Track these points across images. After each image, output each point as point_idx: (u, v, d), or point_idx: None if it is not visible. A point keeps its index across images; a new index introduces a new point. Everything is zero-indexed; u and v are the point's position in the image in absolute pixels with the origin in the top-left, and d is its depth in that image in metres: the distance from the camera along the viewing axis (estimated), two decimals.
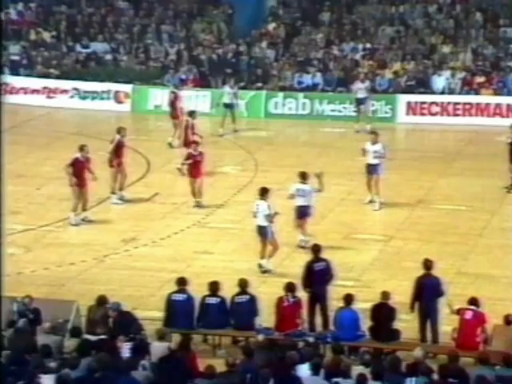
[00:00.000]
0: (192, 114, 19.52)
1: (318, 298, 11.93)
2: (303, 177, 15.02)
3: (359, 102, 22.16)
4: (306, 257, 13.12)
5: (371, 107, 22.45)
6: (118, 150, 17.10)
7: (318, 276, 12.09)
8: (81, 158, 16.06)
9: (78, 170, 15.91)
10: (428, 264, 11.76)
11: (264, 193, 14.02)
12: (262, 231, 13.98)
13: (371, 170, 16.81)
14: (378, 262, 14.47)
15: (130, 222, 16.19)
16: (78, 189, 15.85)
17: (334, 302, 12.11)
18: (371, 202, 16.86)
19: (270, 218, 13.65)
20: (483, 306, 11.34)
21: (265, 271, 13.92)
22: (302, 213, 14.88)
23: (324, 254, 14.62)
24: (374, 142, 16.98)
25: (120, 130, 17.34)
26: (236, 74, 25.00)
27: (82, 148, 16.29)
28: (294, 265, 13.72)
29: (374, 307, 11.32)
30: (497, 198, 17.28)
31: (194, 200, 16.72)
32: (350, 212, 16.75)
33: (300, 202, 14.89)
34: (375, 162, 16.74)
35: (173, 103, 21.18)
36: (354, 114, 22.78)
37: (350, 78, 24.32)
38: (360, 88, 22.11)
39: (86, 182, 15.92)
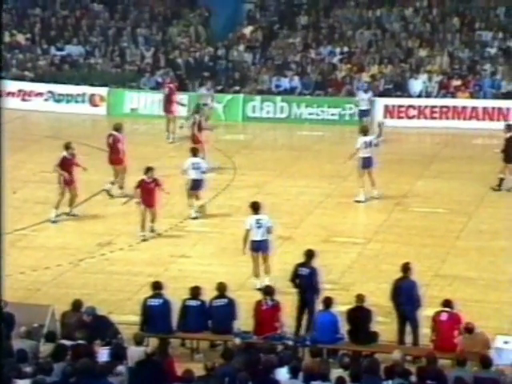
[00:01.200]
0: (198, 110, 19.44)
1: (306, 301, 11.85)
2: (194, 152, 16.64)
3: (362, 113, 21.71)
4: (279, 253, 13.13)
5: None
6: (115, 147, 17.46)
7: (301, 280, 12.08)
8: (68, 156, 16.45)
9: (67, 167, 16.28)
10: (405, 267, 11.70)
11: (258, 207, 13.51)
12: (264, 245, 13.27)
13: (366, 163, 16.98)
14: (356, 264, 14.46)
15: (106, 226, 16.04)
16: (67, 186, 16.14)
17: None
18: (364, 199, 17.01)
19: (271, 229, 13.34)
20: (459, 307, 11.36)
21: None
22: (196, 185, 16.17)
23: (301, 257, 14.69)
24: (366, 134, 17.33)
25: (117, 128, 17.66)
26: (213, 77, 24.94)
27: (67, 146, 16.64)
28: (271, 267, 13.64)
29: (350, 311, 11.31)
30: (474, 200, 17.36)
31: (140, 234, 15.14)
32: (329, 215, 16.74)
33: (193, 175, 16.12)
34: (368, 154, 16.99)
35: (169, 97, 21.01)
36: (335, 118, 22.84)
37: (327, 82, 24.37)
38: (363, 99, 21.71)
39: (74, 178, 16.26)
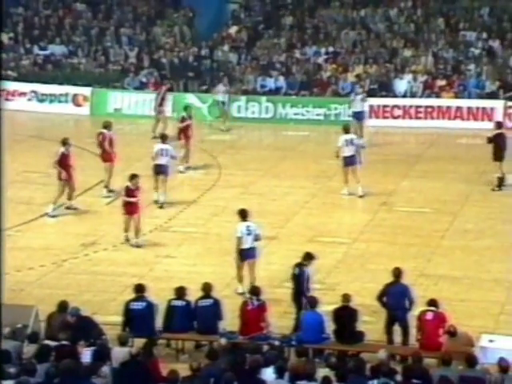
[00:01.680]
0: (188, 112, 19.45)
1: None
2: (163, 138, 17.30)
3: (357, 115, 21.15)
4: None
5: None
6: (110, 145, 17.56)
7: (295, 278, 12.03)
8: (66, 152, 16.47)
9: (65, 163, 16.38)
10: (397, 272, 11.63)
11: (246, 214, 13.23)
12: (252, 253, 13.00)
13: (348, 161, 17.06)
14: (342, 264, 14.44)
15: (90, 226, 15.93)
16: (65, 182, 16.28)
17: None
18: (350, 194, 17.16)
19: (259, 237, 13.09)
20: (444, 306, 11.35)
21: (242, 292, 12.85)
22: (163, 171, 16.78)
23: (287, 258, 14.67)
24: (347, 132, 17.41)
25: (106, 125, 17.77)
26: (198, 77, 24.87)
27: (64, 142, 16.75)
28: (256, 267, 13.59)
29: (336, 310, 11.29)
30: (458, 200, 17.40)
31: (127, 239, 14.83)
32: (315, 215, 16.72)
33: (161, 161, 16.69)
34: (350, 153, 17.06)
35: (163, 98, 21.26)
36: (320, 118, 22.86)
37: (312, 82, 24.37)
38: (356, 100, 21.12)
39: (72, 173, 16.40)
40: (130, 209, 14.89)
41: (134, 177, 15.06)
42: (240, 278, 12.99)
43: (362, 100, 21.26)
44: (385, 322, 11.52)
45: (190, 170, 19.11)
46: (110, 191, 17.30)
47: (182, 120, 19.30)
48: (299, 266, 12.09)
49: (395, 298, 11.47)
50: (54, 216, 16.29)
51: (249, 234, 12.97)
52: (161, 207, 16.71)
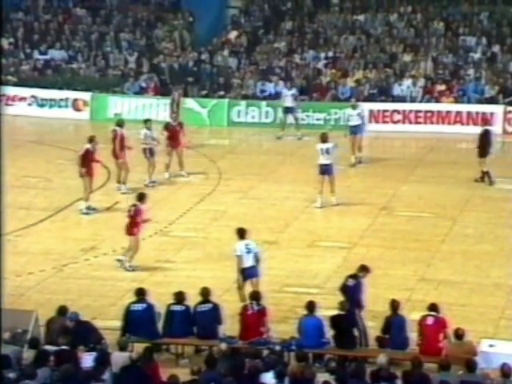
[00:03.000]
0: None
1: None
2: (147, 126, 18.13)
3: (354, 130, 20.95)
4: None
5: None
6: (121, 147, 17.80)
7: (347, 290, 11.79)
8: (91, 149, 16.76)
9: (89, 160, 16.39)
10: (395, 304, 11.37)
11: (244, 233, 12.96)
12: (254, 271, 12.66)
13: (324, 169, 16.94)
14: (342, 269, 14.41)
15: (90, 231, 15.93)
16: (88, 178, 16.49)
17: (299, 309, 12.02)
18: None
19: (259, 255, 12.78)
20: (444, 311, 11.33)
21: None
22: (150, 153, 17.96)
23: (287, 262, 14.65)
24: (324, 141, 17.20)
25: (120, 123, 18.03)
26: (198, 82, 24.89)
27: (91, 139, 16.95)
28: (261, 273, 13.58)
29: (333, 318, 11.24)
30: (458, 204, 17.40)
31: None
32: (314, 220, 16.73)
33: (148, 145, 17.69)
34: (325, 161, 16.93)
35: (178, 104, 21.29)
36: (320, 122, 22.90)
37: (312, 87, 24.39)
38: (351, 115, 20.75)
39: (94, 171, 16.64)
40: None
41: (142, 196, 14.44)
42: (243, 297, 12.49)
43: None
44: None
45: (184, 177, 18.88)
46: (123, 183, 17.82)
47: (166, 127, 19.04)
48: (354, 277, 11.83)
49: (396, 329, 11.09)
50: (87, 213, 16.45)
51: (248, 253, 12.65)
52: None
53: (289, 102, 22.06)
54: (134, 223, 14.25)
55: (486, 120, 18.51)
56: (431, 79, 24.11)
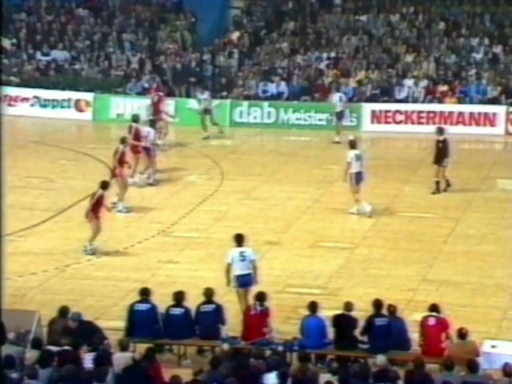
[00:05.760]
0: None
1: None
2: (135, 119, 18.17)
3: (339, 116, 21.44)
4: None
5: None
6: (136, 137, 17.89)
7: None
8: (124, 150, 16.96)
9: (121, 161, 16.70)
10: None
11: (242, 239, 12.68)
12: (249, 279, 12.30)
13: (359, 178, 16.55)
14: (344, 269, 14.43)
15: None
16: (121, 178, 16.61)
17: (301, 310, 12.02)
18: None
19: (255, 262, 12.49)
20: (447, 312, 11.33)
21: None
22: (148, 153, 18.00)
23: (289, 263, 14.64)
24: (354, 147, 16.92)
25: (135, 119, 18.12)
26: (200, 82, 24.91)
27: (123, 140, 17.15)
28: (260, 273, 13.59)
29: (335, 317, 11.23)
30: (460, 205, 17.40)
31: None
32: (317, 220, 16.72)
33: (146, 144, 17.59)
34: (361, 169, 16.58)
35: (156, 105, 20.93)
36: (322, 123, 22.88)
37: (314, 87, 24.40)
38: (336, 101, 21.14)
39: (125, 172, 16.93)
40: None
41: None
42: (243, 309, 12.15)
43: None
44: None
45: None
46: (149, 178, 18.03)
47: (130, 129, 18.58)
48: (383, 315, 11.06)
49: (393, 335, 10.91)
50: (124, 212, 16.56)
51: (243, 260, 12.26)
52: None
53: (207, 105, 21.85)
54: (95, 209, 14.77)
55: (442, 130, 18.32)
56: (433, 80, 24.11)
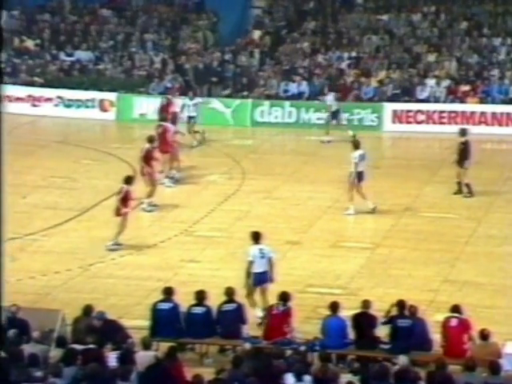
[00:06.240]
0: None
1: None
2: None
3: (333, 115, 21.56)
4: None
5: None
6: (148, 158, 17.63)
7: None
8: (150, 148, 16.97)
9: (150, 159, 16.79)
10: (412, 309, 11.21)
11: (259, 237, 12.79)
12: (265, 277, 12.42)
13: (362, 176, 16.77)
14: (364, 269, 14.46)
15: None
16: (149, 177, 16.67)
17: (322, 310, 12.08)
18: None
19: (273, 260, 12.56)
20: (469, 313, 11.32)
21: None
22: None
23: (310, 262, 14.67)
24: (357, 147, 17.05)
25: (151, 139, 17.77)
26: (221, 82, 25.01)
27: (151, 139, 17.27)
28: (279, 272, 13.66)
29: (354, 316, 11.27)
30: (482, 205, 17.34)
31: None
32: (337, 220, 16.75)
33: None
34: (364, 168, 16.83)
35: (164, 109, 21.06)
36: (343, 123, 22.87)
37: (335, 87, 24.40)
38: (331, 100, 21.31)
39: (154, 170, 16.94)
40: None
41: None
42: (253, 303, 12.32)
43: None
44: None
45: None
46: (172, 178, 18.21)
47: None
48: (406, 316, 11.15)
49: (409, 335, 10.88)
50: (149, 211, 16.65)
51: (262, 257, 12.39)
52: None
53: (191, 111, 21.38)
54: (122, 205, 14.99)
55: (464, 131, 18.22)
56: (455, 79, 24.02)
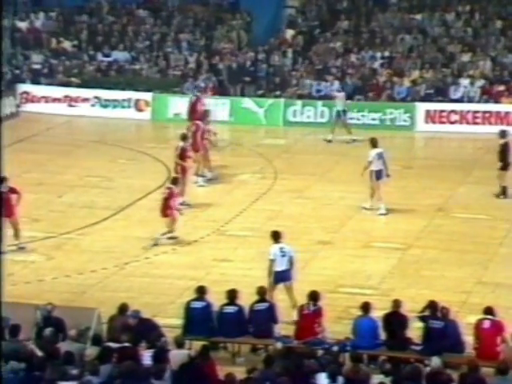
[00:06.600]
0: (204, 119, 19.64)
1: None
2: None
3: (339, 113, 21.57)
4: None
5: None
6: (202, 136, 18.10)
7: None
8: (184, 146, 17.24)
9: (184, 157, 17.06)
10: (444, 311, 11.25)
11: (279, 236, 12.92)
12: (287, 275, 12.66)
13: (379, 175, 16.89)
14: (396, 270, 14.47)
15: (151, 230, 16.20)
16: (182, 175, 16.89)
17: (353, 310, 12.14)
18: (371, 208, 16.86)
19: (293, 259, 12.79)
20: (502, 315, 11.29)
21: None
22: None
23: (341, 262, 14.68)
24: (375, 146, 17.13)
25: (184, 137, 17.95)
26: (254, 82, 25.12)
27: (184, 137, 17.48)
28: (310, 272, 13.76)
29: (386, 316, 11.31)
30: None
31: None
32: (369, 220, 16.77)
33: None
34: (382, 167, 16.88)
35: (194, 107, 21.20)
36: (375, 122, 22.83)
37: (367, 86, 24.38)
38: (339, 98, 21.48)
39: (187, 168, 17.16)
40: (6, 211, 14.55)
41: (2, 180, 14.35)
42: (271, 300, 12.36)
43: (343, 99, 21.27)
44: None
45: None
46: (204, 177, 18.37)
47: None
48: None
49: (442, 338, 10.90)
50: (178, 210, 16.58)
51: (283, 256, 12.63)
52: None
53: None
54: (167, 205, 15.16)
55: (504, 133, 18.07)
56: (489, 79, 23.83)
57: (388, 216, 16.90)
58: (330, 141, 21.82)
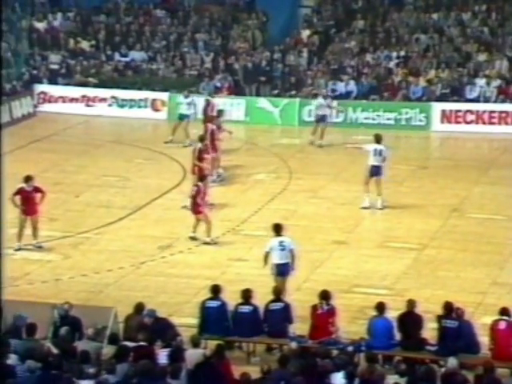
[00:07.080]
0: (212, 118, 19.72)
1: None
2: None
3: (320, 118, 21.46)
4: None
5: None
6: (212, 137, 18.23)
7: None
8: (202, 147, 17.31)
9: (202, 158, 17.18)
10: (459, 312, 11.23)
11: (280, 229, 13.05)
12: (286, 268, 12.78)
13: (374, 171, 16.91)
14: (411, 270, 14.47)
15: (167, 229, 16.31)
16: (199, 176, 16.94)
17: (368, 310, 12.18)
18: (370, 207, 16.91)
19: (294, 251, 12.87)
20: None
21: None
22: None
23: (356, 262, 14.70)
24: (378, 142, 17.18)
25: (210, 120, 18.25)
26: (270, 81, 25.17)
27: (202, 138, 17.65)
28: (325, 272, 13.79)
29: (400, 316, 11.31)
30: None
31: (17, 244, 14.62)
32: (384, 220, 16.79)
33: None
34: (376, 163, 16.92)
35: (205, 111, 21.40)
36: (391, 122, 22.80)
37: (383, 86, 24.35)
38: (322, 104, 21.55)
39: (205, 167, 17.28)
40: (27, 210, 14.76)
41: (28, 178, 14.79)
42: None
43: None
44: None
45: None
46: (219, 176, 18.44)
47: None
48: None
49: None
50: (184, 206, 16.75)
51: (282, 250, 12.73)
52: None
53: (183, 109, 21.69)
54: (196, 202, 15.34)
55: None
56: (506, 79, 23.73)
57: (403, 216, 16.89)
58: (312, 143, 21.59)
